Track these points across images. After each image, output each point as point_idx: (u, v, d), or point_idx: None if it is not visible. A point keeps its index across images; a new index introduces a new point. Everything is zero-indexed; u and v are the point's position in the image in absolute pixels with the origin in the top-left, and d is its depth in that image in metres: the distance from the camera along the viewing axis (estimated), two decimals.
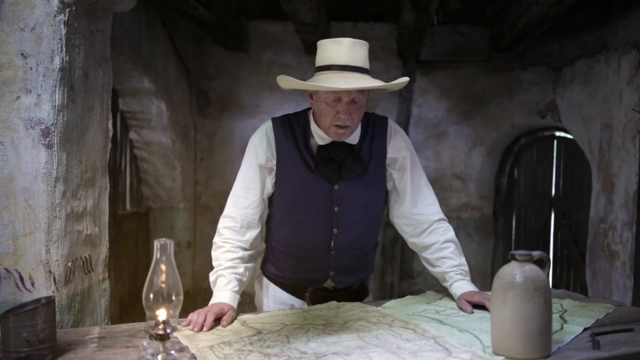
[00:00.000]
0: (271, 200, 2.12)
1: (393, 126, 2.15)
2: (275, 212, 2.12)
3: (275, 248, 2.18)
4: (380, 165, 2.10)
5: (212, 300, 1.94)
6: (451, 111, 5.87)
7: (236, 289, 1.97)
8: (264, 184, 2.07)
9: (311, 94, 2.02)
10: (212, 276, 2.02)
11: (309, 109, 2.11)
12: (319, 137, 2.04)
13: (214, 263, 2.04)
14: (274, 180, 2.07)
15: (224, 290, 1.95)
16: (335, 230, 2.07)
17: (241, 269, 2.01)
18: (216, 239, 2.08)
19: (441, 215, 2.15)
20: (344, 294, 2.16)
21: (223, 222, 2.08)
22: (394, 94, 5.83)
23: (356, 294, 2.20)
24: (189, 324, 1.77)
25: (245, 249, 2.05)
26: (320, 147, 2.04)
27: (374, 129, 2.11)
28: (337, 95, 1.90)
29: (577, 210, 5.23)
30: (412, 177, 2.12)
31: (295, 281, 2.17)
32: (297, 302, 2.17)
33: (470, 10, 5.53)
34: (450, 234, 2.12)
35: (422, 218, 2.12)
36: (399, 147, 2.12)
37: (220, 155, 5.93)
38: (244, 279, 2.02)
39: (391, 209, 2.19)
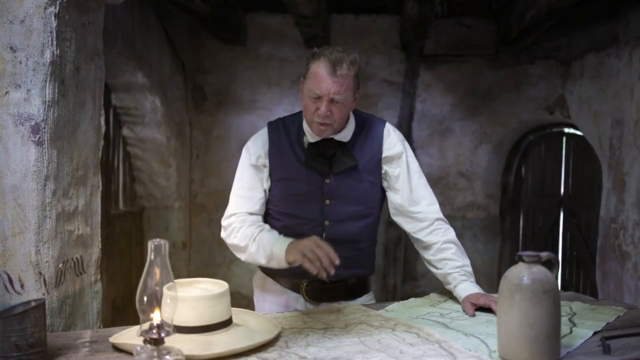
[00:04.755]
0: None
1: (390, 127, 2.27)
2: (269, 206, 2.24)
3: None
4: (374, 162, 2.20)
5: (277, 254, 1.98)
6: (456, 107, 5.86)
7: (281, 234, 2.06)
8: (262, 181, 2.20)
9: (302, 86, 2.14)
10: (252, 247, 2.06)
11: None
12: (310, 135, 2.17)
13: (244, 242, 2.08)
14: (267, 175, 2.20)
15: (277, 241, 2.01)
16: (327, 222, 2.17)
17: (268, 226, 2.12)
18: (230, 227, 2.14)
19: (440, 215, 2.22)
20: (340, 287, 2.23)
21: (229, 219, 2.17)
22: (397, 89, 5.83)
23: (353, 289, 2.26)
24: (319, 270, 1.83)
25: (262, 221, 2.18)
26: (310, 144, 2.17)
27: (370, 128, 2.23)
28: (317, 94, 2.03)
29: (587, 210, 5.23)
30: (410, 176, 2.21)
31: (290, 273, 2.20)
32: (293, 295, 2.23)
33: (476, 2, 5.52)
34: (451, 235, 2.18)
35: (421, 216, 2.20)
36: (394, 146, 2.22)
37: (216, 152, 5.93)
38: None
39: (390, 207, 2.27)
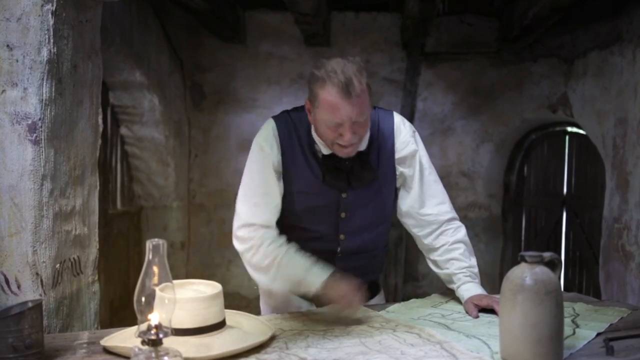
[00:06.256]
0: None
1: (399, 121, 2.14)
2: (280, 218, 2.10)
3: None
4: (389, 165, 2.09)
5: (311, 283, 1.88)
6: (458, 105, 5.86)
7: (314, 259, 1.93)
8: (278, 186, 2.02)
9: (309, 109, 1.96)
10: (276, 271, 1.93)
11: None
12: (323, 146, 2.01)
13: (267, 260, 1.93)
14: (282, 183, 2.04)
15: (310, 269, 1.90)
16: (342, 236, 2.08)
17: (294, 246, 1.97)
18: (249, 243, 1.97)
19: (451, 214, 2.14)
20: None
21: (246, 230, 1.98)
22: (398, 87, 5.83)
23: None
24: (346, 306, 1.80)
25: (283, 238, 2.00)
26: (325, 156, 2.01)
27: (379, 125, 2.09)
28: (337, 123, 1.85)
29: (590, 210, 5.23)
30: (422, 174, 2.11)
31: None
32: (304, 304, 2.16)
33: None
34: (461, 234, 2.12)
35: (431, 219, 2.11)
36: (407, 144, 2.10)
37: (215, 151, 5.93)
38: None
39: (398, 207, 2.17)
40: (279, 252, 1.94)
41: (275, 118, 2.08)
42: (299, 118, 2.05)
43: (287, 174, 2.02)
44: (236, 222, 2.01)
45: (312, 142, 2.03)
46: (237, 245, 2.00)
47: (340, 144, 1.89)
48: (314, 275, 1.89)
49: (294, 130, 2.03)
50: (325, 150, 2.01)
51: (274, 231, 2.00)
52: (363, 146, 2.02)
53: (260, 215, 1.98)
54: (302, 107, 2.07)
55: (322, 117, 1.88)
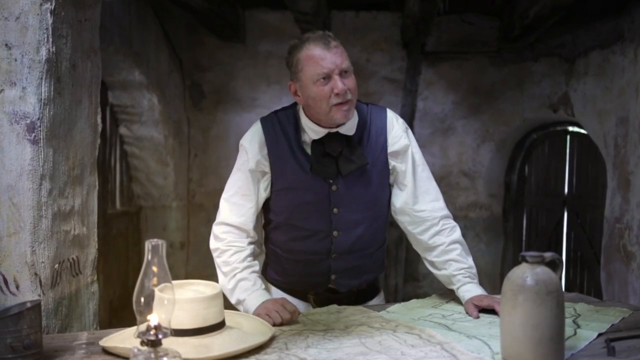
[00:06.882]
0: (267, 206, 2.13)
1: (393, 116, 2.15)
2: (272, 217, 2.13)
3: (274, 252, 2.19)
4: (381, 159, 2.09)
5: (249, 305, 1.95)
6: (458, 105, 5.86)
7: (263, 286, 2.02)
8: (258, 189, 2.09)
9: (295, 90, 2.03)
10: (229, 282, 2.03)
11: (297, 103, 2.11)
12: (313, 131, 2.04)
13: (225, 268, 2.05)
14: (267, 183, 2.08)
15: (255, 291, 1.98)
16: (335, 233, 2.07)
17: (257, 267, 2.07)
18: (218, 245, 2.10)
19: (445, 211, 2.14)
20: (350, 294, 2.16)
21: (221, 229, 2.10)
22: (398, 87, 5.83)
23: (364, 293, 2.20)
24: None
25: (250, 249, 2.09)
26: (314, 142, 2.04)
27: (372, 119, 2.11)
28: (325, 73, 1.93)
29: (591, 210, 5.23)
30: (415, 170, 2.12)
31: (297, 285, 2.18)
32: (301, 305, 2.16)
33: None
34: (456, 234, 2.12)
35: (425, 215, 2.11)
36: (400, 138, 2.11)
37: (215, 151, 5.93)
38: (260, 274, 2.09)
39: (392, 204, 2.17)
40: (237, 267, 2.03)
41: (261, 119, 2.14)
42: (285, 115, 2.10)
43: (275, 171, 2.06)
44: (217, 218, 2.13)
45: (300, 135, 2.06)
46: (211, 240, 2.13)
47: (337, 102, 1.93)
48: (254, 298, 1.96)
49: (280, 128, 2.07)
50: (314, 135, 2.03)
51: (244, 239, 2.08)
52: (351, 130, 2.05)
53: (234, 215, 2.08)
54: (290, 105, 2.13)
55: (309, 77, 1.94)
